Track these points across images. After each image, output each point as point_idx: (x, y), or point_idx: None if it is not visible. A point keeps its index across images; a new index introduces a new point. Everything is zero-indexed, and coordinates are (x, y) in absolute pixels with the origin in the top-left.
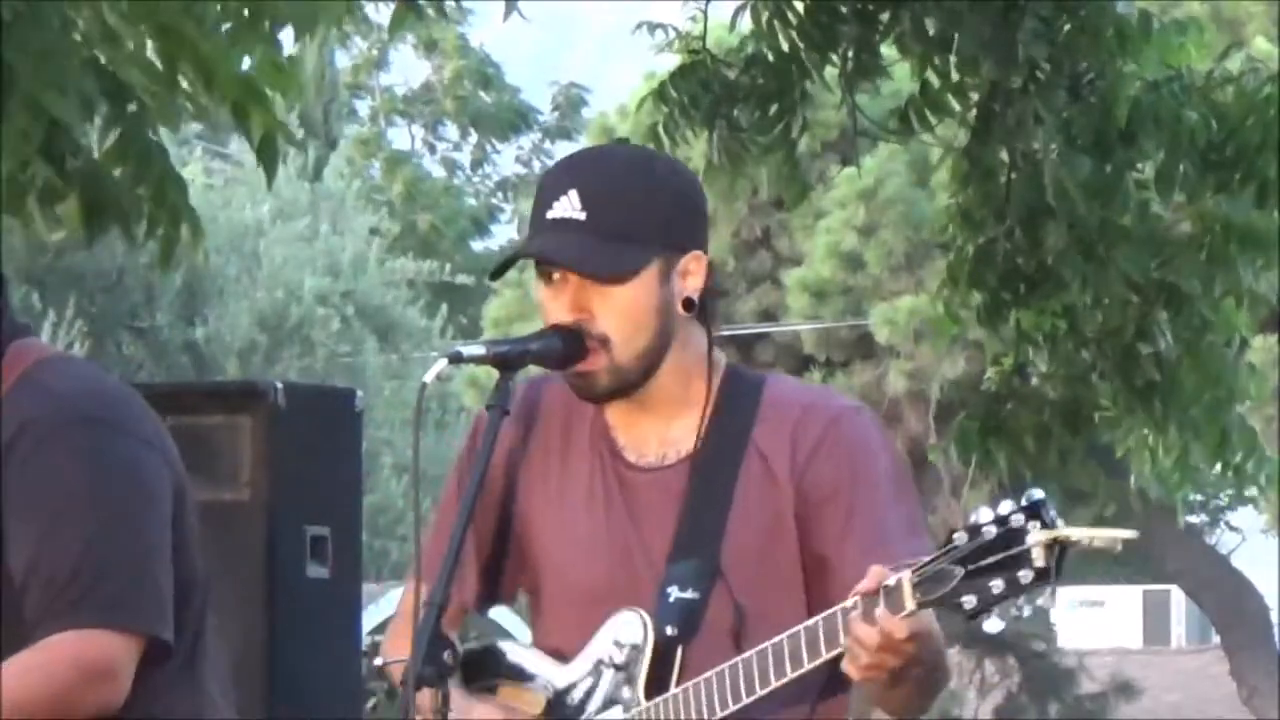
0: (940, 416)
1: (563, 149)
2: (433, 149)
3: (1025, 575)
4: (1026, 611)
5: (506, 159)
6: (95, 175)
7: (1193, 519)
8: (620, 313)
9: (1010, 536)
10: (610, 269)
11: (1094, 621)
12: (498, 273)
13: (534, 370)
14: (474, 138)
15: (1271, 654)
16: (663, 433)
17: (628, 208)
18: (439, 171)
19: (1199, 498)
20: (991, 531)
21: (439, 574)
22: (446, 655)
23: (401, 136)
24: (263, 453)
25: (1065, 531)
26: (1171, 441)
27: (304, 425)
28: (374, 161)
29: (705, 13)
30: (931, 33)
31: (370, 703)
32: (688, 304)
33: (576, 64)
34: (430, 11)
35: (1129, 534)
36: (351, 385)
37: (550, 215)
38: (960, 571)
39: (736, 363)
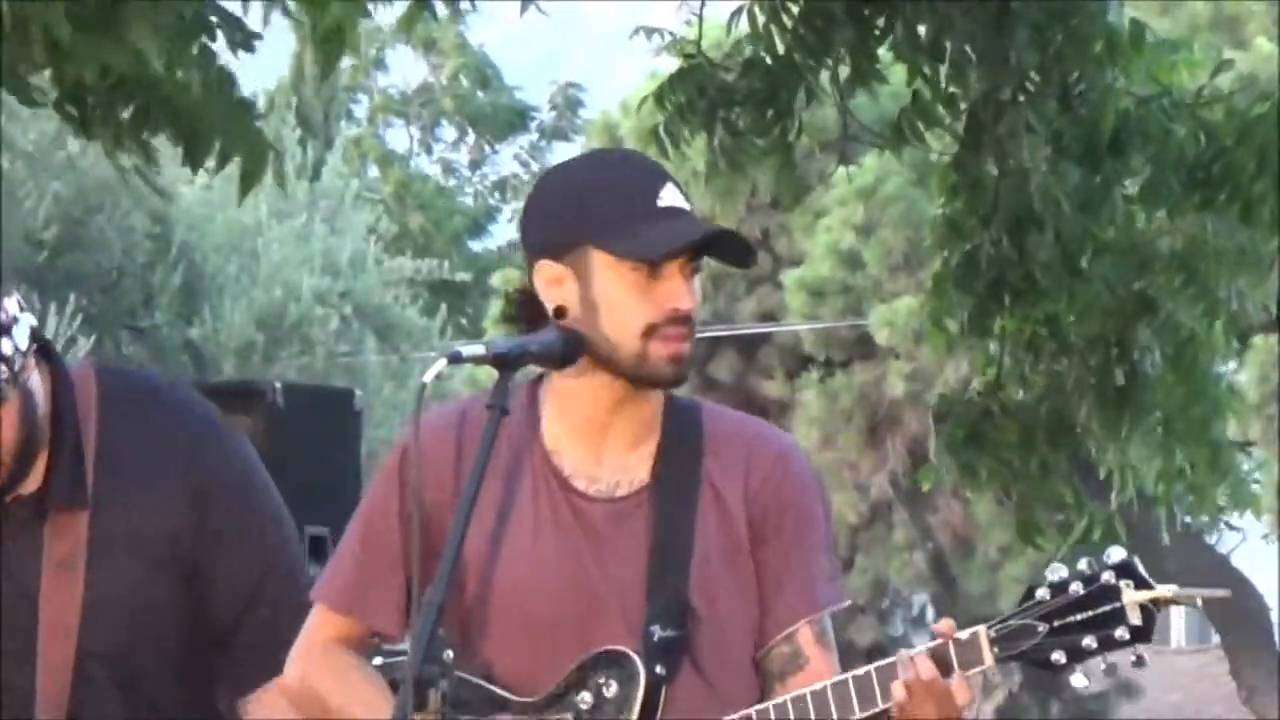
0: (940, 420)
1: (560, 149)
2: (430, 149)
3: (1121, 633)
4: (1119, 670)
5: (504, 159)
6: (180, 107)
7: (1191, 520)
8: (698, 304)
9: (1101, 594)
10: (741, 241)
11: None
12: (662, 259)
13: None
14: (471, 138)
15: (1271, 654)
16: (617, 460)
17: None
18: (437, 172)
19: (1192, 500)
20: (1079, 589)
21: (439, 574)
22: (446, 655)
23: (399, 137)
24: (262, 453)
25: (1163, 592)
26: (1142, 456)
27: (303, 425)
28: (370, 162)
29: (701, 16)
30: (924, 39)
31: None
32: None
33: (577, 64)
34: (443, 8)
35: (1222, 593)
36: (351, 385)
37: (661, 204)
38: (1044, 628)
39: (672, 394)
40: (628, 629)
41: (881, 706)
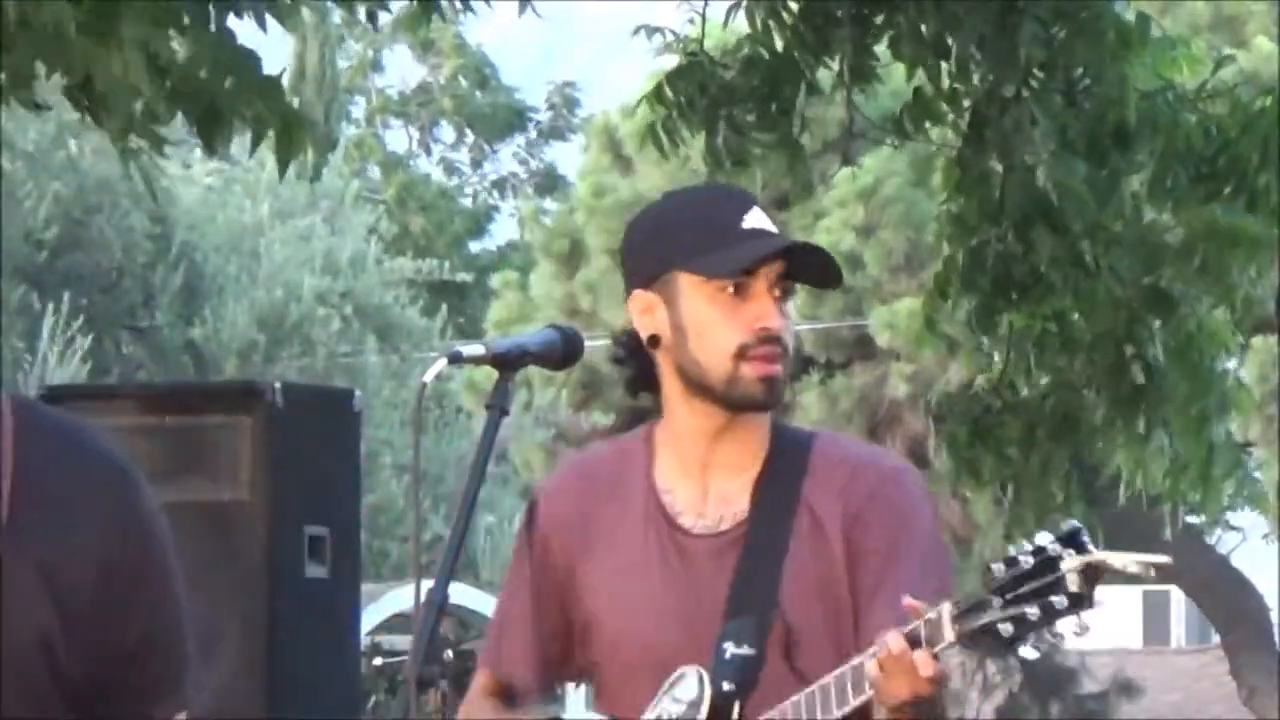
0: (940, 420)
1: (558, 148)
2: (429, 150)
3: (1060, 601)
4: (1065, 639)
5: (504, 158)
6: (196, 89)
7: (1193, 519)
8: (791, 328)
9: (1046, 564)
10: (837, 280)
11: (1094, 621)
12: (737, 272)
13: (534, 376)
14: (470, 138)
15: (1271, 654)
16: (721, 492)
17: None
18: (436, 172)
19: (1198, 498)
20: (1028, 561)
21: (439, 572)
22: (447, 654)
23: (398, 138)
24: (262, 453)
25: (1099, 556)
26: (1155, 453)
27: (303, 425)
28: (370, 163)
29: (704, 15)
30: (927, 36)
31: (370, 702)
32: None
33: (576, 64)
34: (447, 7)
35: (1162, 559)
36: (351, 385)
37: (746, 225)
38: (998, 601)
39: (779, 420)
40: (714, 649)
41: (868, 692)
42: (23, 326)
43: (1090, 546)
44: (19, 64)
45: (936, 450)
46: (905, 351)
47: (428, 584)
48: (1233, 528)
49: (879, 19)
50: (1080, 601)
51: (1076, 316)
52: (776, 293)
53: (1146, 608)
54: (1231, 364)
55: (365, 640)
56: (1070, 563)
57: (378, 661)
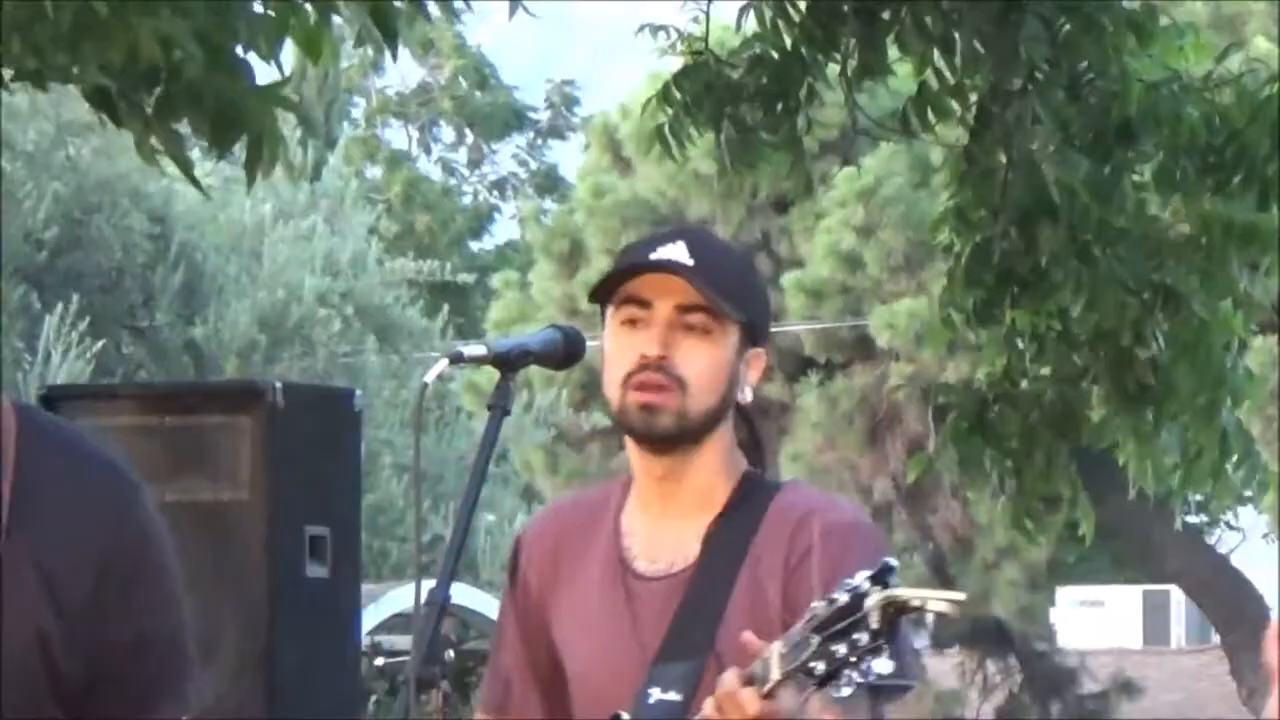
0: (940, 418)
1: (557, 147)
2: (428, 150)
3: (862, 638)
4: (877, 675)
5: (503, 158)
6: (201, 91)
7: (1193, 519)
8: (703, 363)
9: (855, 602)
10: (723, 304)
11: (1094, 621)
12: (600, 289)
13: (534, 375)
14: (470, 138)
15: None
16: (678, 537)
17: (729, 273)
18: (435, 172)
19: (1198, 498)
20: (843, 598)
21: (440, 578)
22: (447, 654)
23: (398, 138)
24: (262, 453)
25: (895, 593)
26: (1165, 445)
27: (303, 425)
28: (371, 162)
29: (708, 14)
30: (932, 31)
31: (370, 702)
32: (743, 395)
33: (576, 64)
34: (435, 11)
35: (959, 596)
36: (351, 385)
37: (654, 256)
38: (816, 639)
39: (755, 470)
40: (639, 694)
41: None
42: (23, 326)
43: (893, 583)
44: (35, 44)
45: (938, 450)
46: (905, 351)
47: (428, 584)
48: (1233, 528)
49: (885, 14)
50: (879, 637)
51: (1079, 312)
52: (690, 322)
53: (1146, 608)
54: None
55: (365, 640)
56: (872, 599)
57: (378, 661)
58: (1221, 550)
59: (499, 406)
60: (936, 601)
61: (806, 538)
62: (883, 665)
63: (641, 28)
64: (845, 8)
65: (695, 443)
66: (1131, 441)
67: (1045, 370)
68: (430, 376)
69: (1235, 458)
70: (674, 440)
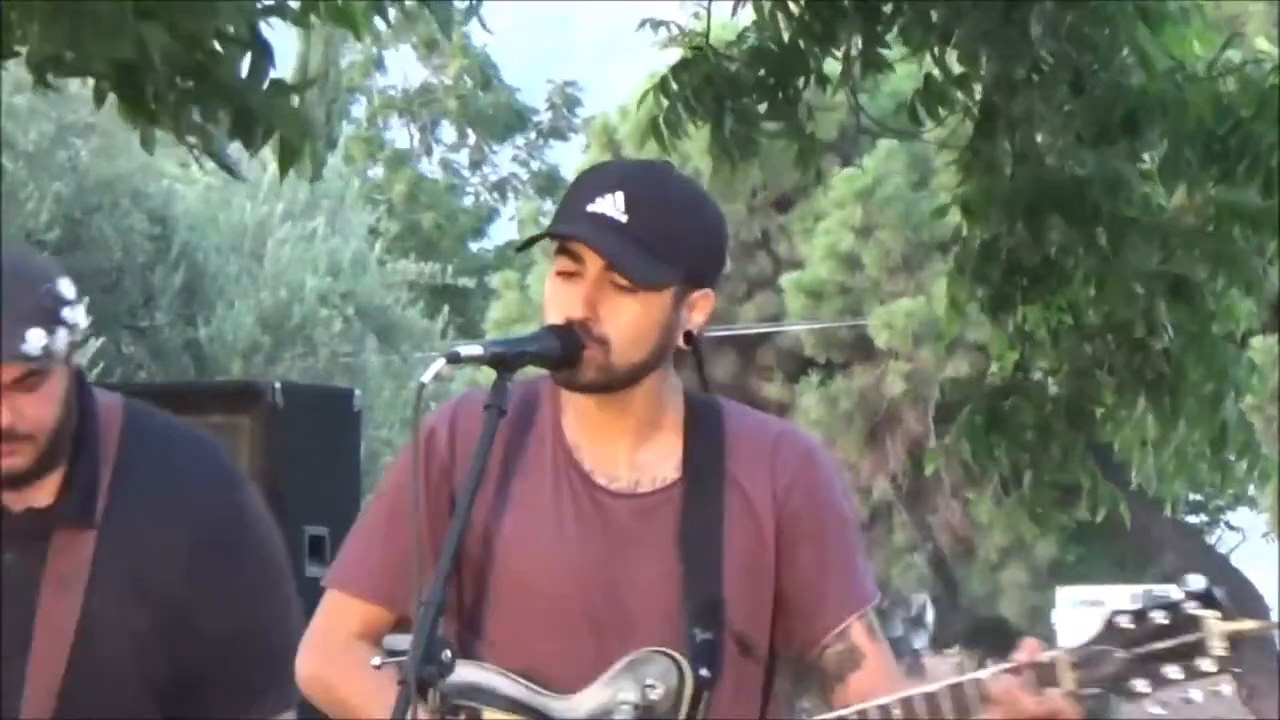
0: (940, 418)
1: (558, 149)
2: (430, 150)
3: (1205, 664)
4: (1198, 697)
5: (503, 159)
6: (227, 85)
7: (1192, 519)
8: (628, 322)
9: (1184, 624)
10: (642, 276)
11: (1094, 621)
12: (525, 246)
13: (531, 372)
14: (472, 138)
15: (1271, 654)
16: (630, 457)
17: (668, 227)
18: (437, 172)
19: (1198, 498)
20: (1162, 618)
21: (438, 571)
22: (445, 655)
23: (400, 138)
24: (262, 452)
25: (1247, 625)
26: (1175, 435)
27: (303, 425)
28: (373, 162)
29: (709, 9)
30: (935, 24)
31: None
32: (688, 337)
33: (576, 64)
34: (431, 14)
35: None
36: (351, 385)
37: (590, 208)
38: (1124, 654)
39: (689, 390)
40: (664, 628)
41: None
42: None
43: (1231, 609)
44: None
45: (952, 444)
46: (903, 351)
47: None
48: (1233, 528)
49: (887, 8)
50: (1227, 664)
51: (1090, 301)
52: (618, 280)
53: None
54: (1250, 344)
55: None
56: (1217, 627)
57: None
58: (1221, 550)
59: (496, 406)
60: (1273, 629)
61: (789, 465)
62: (1226, 688)
63: (643, 23)
64: (845, 2)
65: (626, 387)
66: (1128, 431)
67: (1057, 363)
68: (428, 377)
69: (1234, 452)
70: (600, 389)
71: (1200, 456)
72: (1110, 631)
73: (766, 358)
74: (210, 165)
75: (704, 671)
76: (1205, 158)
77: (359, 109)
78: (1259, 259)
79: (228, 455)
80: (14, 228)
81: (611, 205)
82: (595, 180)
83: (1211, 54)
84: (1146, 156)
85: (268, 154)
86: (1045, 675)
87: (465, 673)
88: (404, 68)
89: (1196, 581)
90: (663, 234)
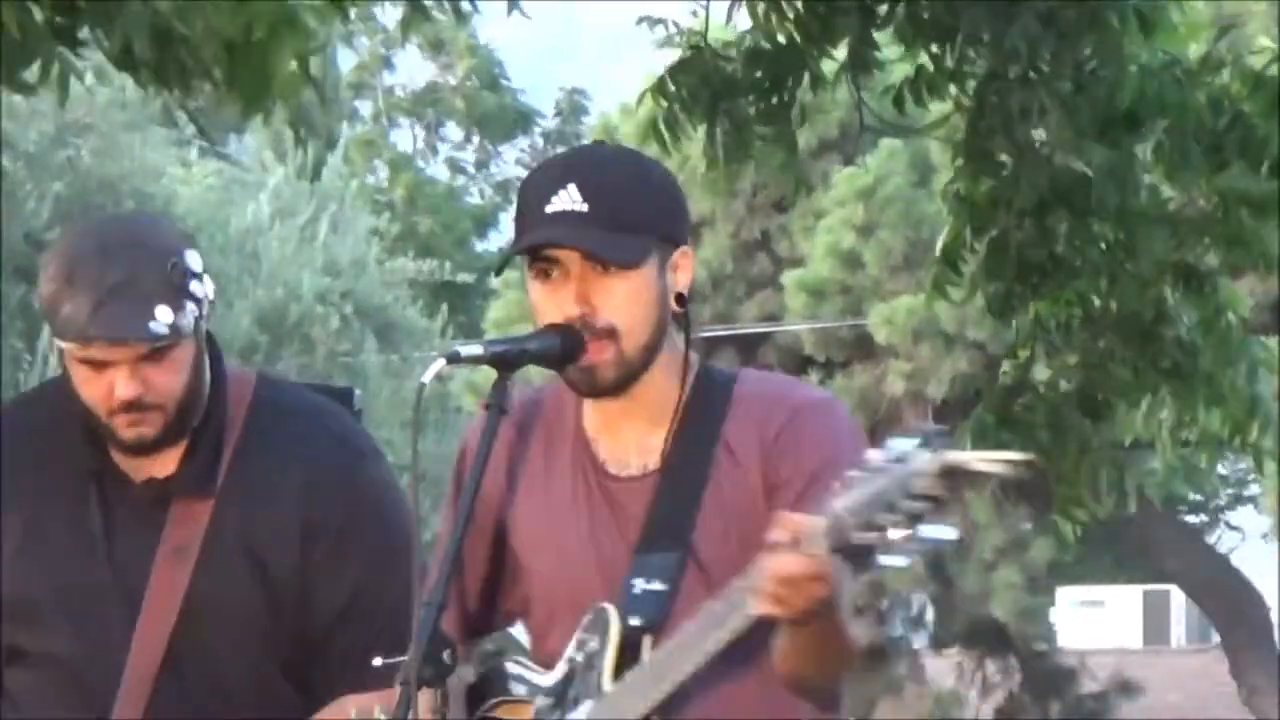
0: (940, 417)
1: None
2: (435, 150)
3: (916, 506)
4: (937, 542)
5: (507, 160)
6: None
7: (1192, 519)
8: (626, 303)
9: (903, 468)
10: (624, 256)
11: (1094, 621)
12: (500, 269)
13: (534, 374)
14: (477, 139)
15: (1271, 654)
16: (641, 441)
17: (627, 199)
18: (441, 172)
19: (1198, 497)
20: (890, 467)
21: (438, 573)
22: (446, 655)
23: (404, 138)
24: None
25: (951, 456)
26: (1197, 421)
27: None
28: (377, 162)
29: (707, 9)
30: (928, 25)
31: None
32: (679, 299)
33: (578, 64)
34: (439, 15)
35: (1016, 456)
36: (351, 385)
37: (550, 209)
38: (857, 512)
39: (707, 363)
40: (622, 586)
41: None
42: (23, 326)
43: (942, 446)
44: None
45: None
46: (904, 349)
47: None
48: (1233, 527)
49: (882, 8)
50: (939, 503)
51: (1102, 294)
52: (601, 269)
53: (1146, 608)
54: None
55: None
56: (923, 463)
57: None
58: (1221, 550)
59: (496, 406)
60: (994, 464)
61: (781, 415)
62: (944, 531)
63: (641, 20)
64: (841, 3)
65: (641, 376)
66: (1140, 420)
67: (1070, 358)
68: (428, 376)
69: (1256, 430)
70: (622, 387)
71: (1223, 444)
72: (842, 490)
73: (767, 357)
74: (211, 166)
75: (635, 620)
76: (1206, 150)
77: (365, 108)
78: (1272, 234)
79: (356, 427)
80: (13, 227)
81: (568, 199)
82: (543, 181)
83: (1203, 47)
84: (1145, 152)
85: (268, 154)
86: (807, 546)
87: (509, 668)
88: (409, 68)
89: (929, 427)
90: (626, 209)
